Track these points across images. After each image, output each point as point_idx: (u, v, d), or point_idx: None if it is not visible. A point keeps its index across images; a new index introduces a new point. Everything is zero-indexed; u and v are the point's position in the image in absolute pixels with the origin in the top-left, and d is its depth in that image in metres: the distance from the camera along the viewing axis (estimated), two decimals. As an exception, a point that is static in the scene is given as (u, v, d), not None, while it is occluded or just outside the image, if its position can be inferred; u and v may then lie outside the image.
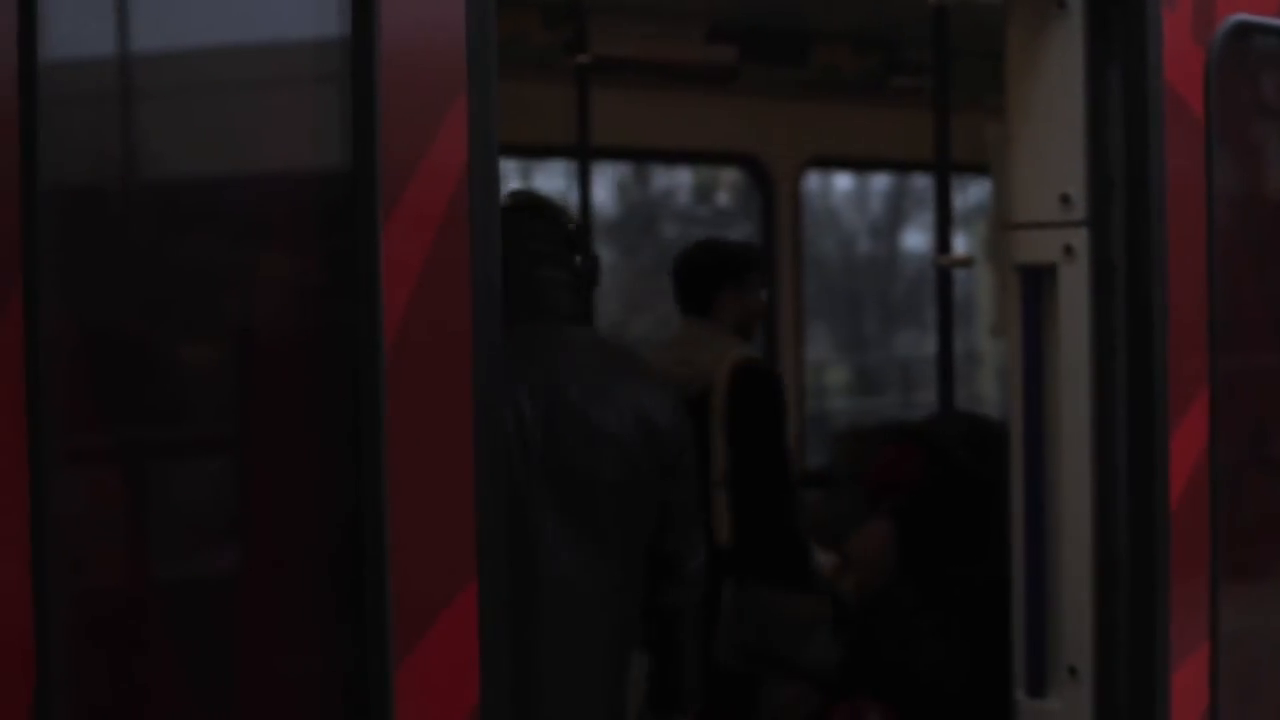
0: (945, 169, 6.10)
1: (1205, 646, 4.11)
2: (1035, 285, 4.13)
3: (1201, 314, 4.11)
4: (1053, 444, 4.14)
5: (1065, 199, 4.07)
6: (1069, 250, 4.06)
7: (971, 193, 9.30)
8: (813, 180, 9.86)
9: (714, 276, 5.70)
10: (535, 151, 7.68)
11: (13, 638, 2.58)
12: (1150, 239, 3.97)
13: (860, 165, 10.16)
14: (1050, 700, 4.11)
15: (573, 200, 6.91)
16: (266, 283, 2.98)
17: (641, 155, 8.98)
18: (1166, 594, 4.00)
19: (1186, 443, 4.08)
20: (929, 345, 7.72)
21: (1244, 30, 4.25)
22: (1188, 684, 4.07)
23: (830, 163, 8.43)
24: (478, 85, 2.98)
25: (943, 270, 6.30)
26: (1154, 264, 3.98)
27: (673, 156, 8.78)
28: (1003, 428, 5.55)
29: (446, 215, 2.96)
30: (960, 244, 7.71)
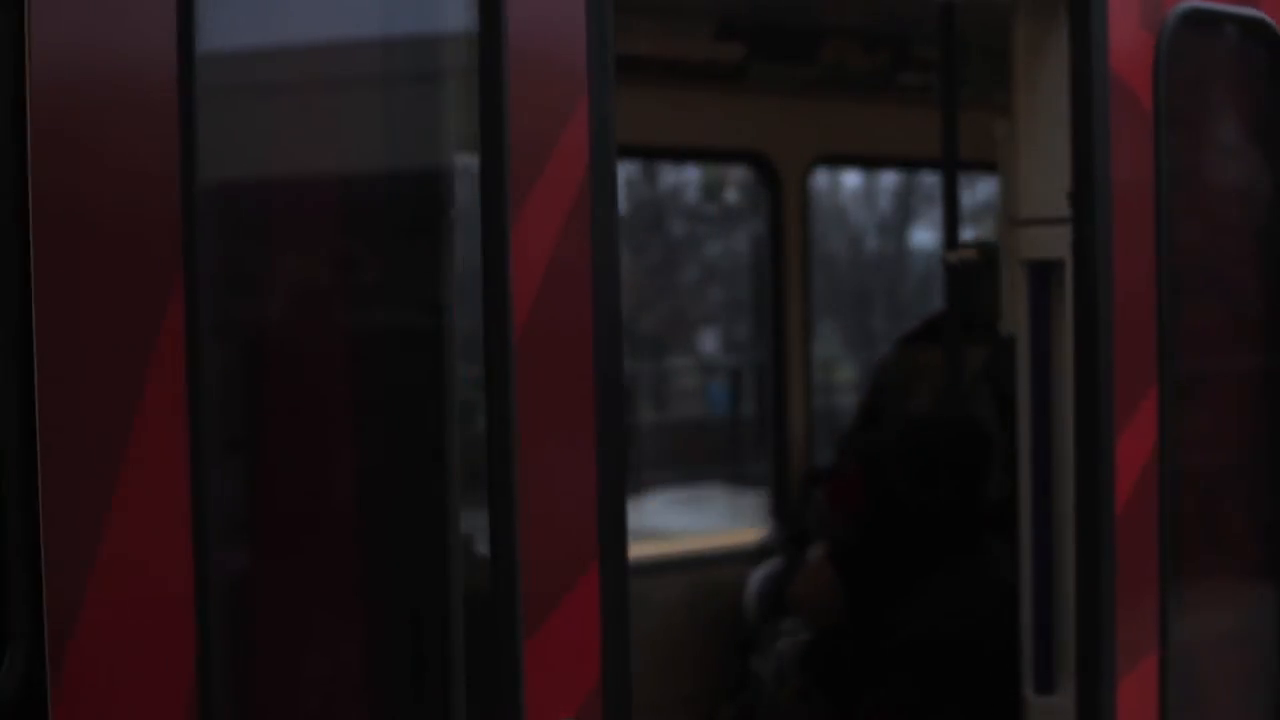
0: (953, 166, 6.09)
1: (1154, 656, 4.04)
2: (1043, 281, 4.14)
3: (1149, 311, 4.03)
4: (1059, 439, 4.15)
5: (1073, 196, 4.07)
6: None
7: (979, 189, 9.31)
8: (821, 177, 9.87)
9: None
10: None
11: (175, 624, 2.67)
12: (1094, 236, 3.92)
13: (868, 162, 10.15)
14: (1059, 697, 4.12)
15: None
16: (403, 277, 3.16)
17: (649, 153, 8.97)
18: (1112, 599, 3.93)
19: (1134, 444, 4.01)
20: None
21: (1196, 17, 4.18)
22: (1135, 694, 4.00)
23: (838, 160, 8.43)
24: (597, 90, 3.15)
25: (951, 266, 6.31)
26: (1097, 260, 3.92)
27: (680, 154, 8.78)
28: (983, 438, 5.53)
29: (570, 213, 3.11)
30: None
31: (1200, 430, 4.37)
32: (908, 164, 9.91)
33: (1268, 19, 4.31)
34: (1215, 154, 4.54)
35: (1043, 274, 4.14)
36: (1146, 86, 4.01)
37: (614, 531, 3.16)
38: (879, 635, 5.43)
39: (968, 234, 6.23)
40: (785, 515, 6.86)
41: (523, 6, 3.02)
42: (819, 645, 5.72)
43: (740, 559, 6.65)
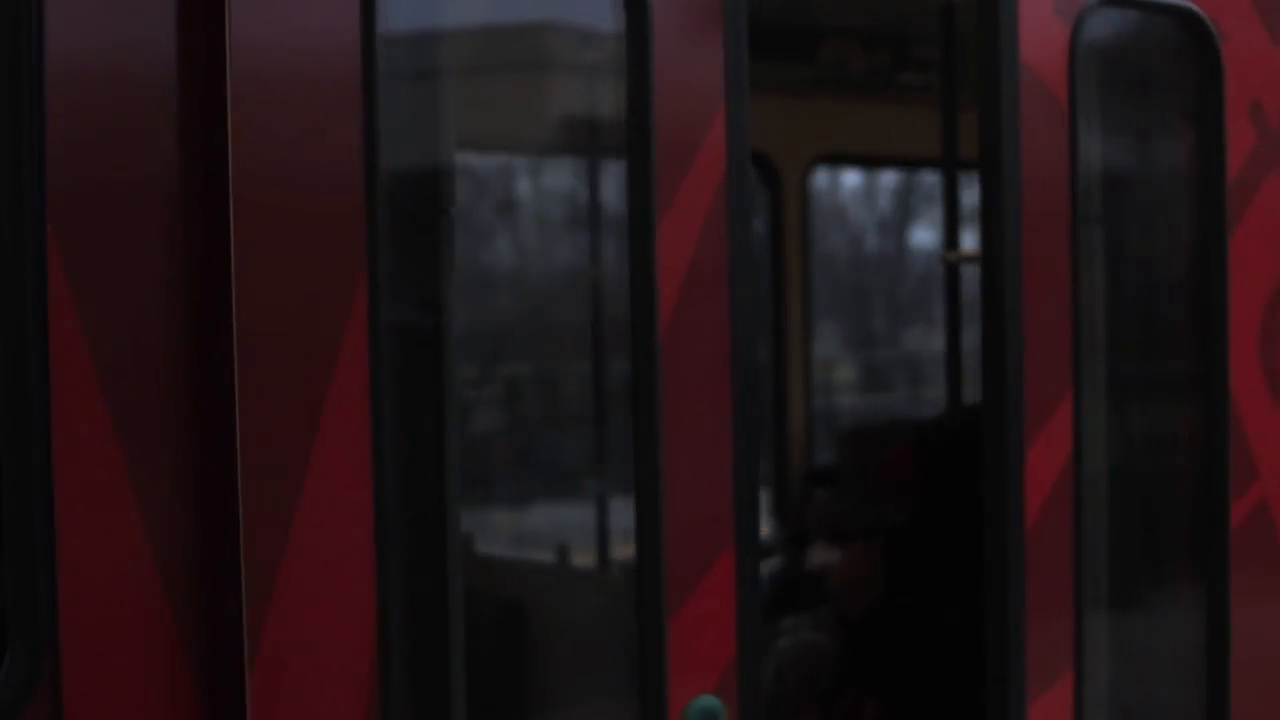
0: (953, 165, 6.10)
1: (1069, 676, 3.93)
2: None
3: (1064, 312, 3.91)
4: None
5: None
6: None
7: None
8: (821, 177, 9.87)
9: None
10: (544, 149, 7.69)
11: (356, 617, 2.84)
12: (1003, 234, 3.80)
13: (868, 162, 10.16)
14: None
15: (581, 200, 6.91)
16: (566, 277, 3.34)
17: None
18: (1021, 617, 3.82)
19: (1046, 454, 3.87)
20: (937, 341, 7.74)
21: (1116, 5, 4.08)
22: (1048, 716, 3.89)
23: (838, 160, 8.44)
24: (734, 101, 3.35)
25: (951, 266, 6.31)
26: (1005, 259, 3.80)
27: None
28: None
29: (709, 216, 3.31)
30: (968, 240, 7.73)
31: (1121, 438, 4.27)
32: (908, 164, 9.92)
33: (1197, 9, 4.17)
34: (1137, 150, 4.42)
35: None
36: (1061, 79, 3.88)
37: (748, 516, 3.35)
38: (920, 621, 5.44)
39: (968, 234, 6.23)
40: (785, 515, 6.86)
41: (666, 22, 3.23)
42: (859, 632, 5.73)
43: (740, 558, 6.65)
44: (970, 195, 8.80)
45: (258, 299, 2.73)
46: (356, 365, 2.82)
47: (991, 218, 3.81)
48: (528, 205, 3.41)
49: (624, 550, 3.33)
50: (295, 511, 2.77)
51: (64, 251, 2.57)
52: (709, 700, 3.28)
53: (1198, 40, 4.20)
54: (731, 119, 3.34)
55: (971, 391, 7.20)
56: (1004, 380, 3.79)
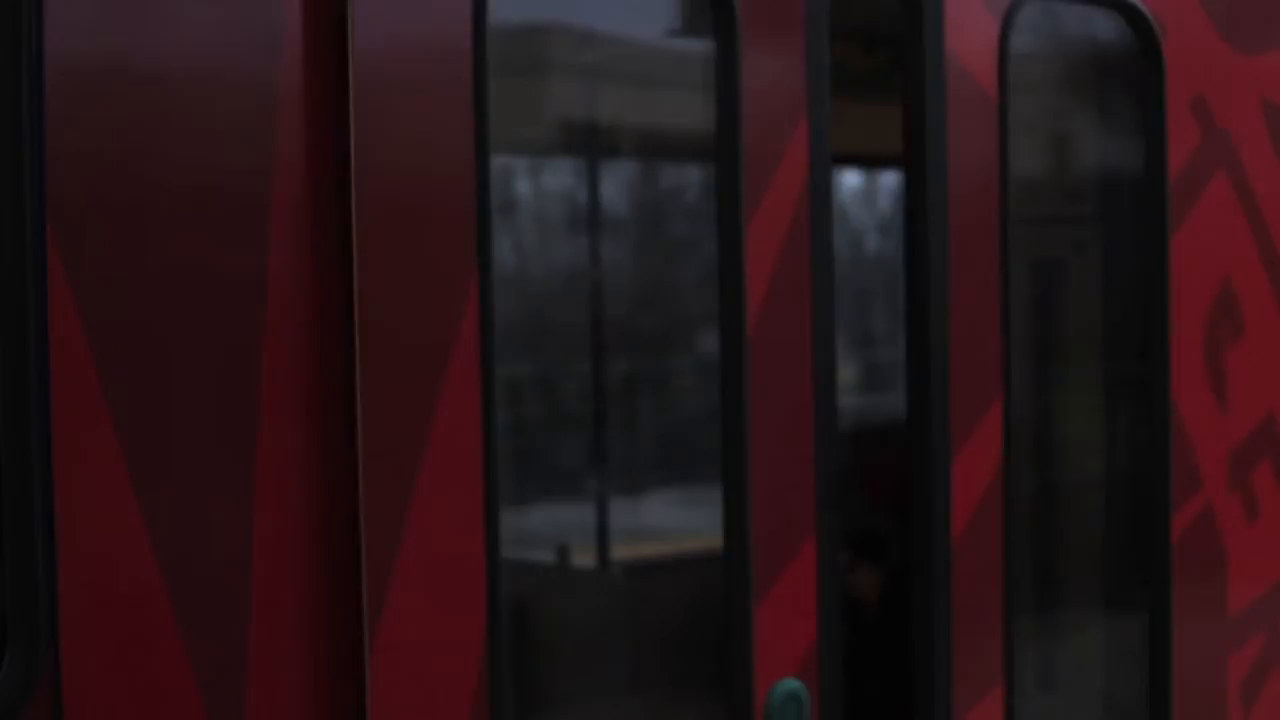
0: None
1: (998, 690, 3.88)
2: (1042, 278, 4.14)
3: (992, 318, 3.85)
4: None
5: (1076, 194, 4.07)
6: (1080, 246, 4.07)
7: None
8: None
9: None
10: (544, 149, 7.68)
11: (465, 615, 2.95)
12: (928, 237, 3.75)
13: (868, 162, 10.15)
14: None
15: (581, 199, 6.89)
16: (657, 279, 3.62)
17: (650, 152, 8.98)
18: (948, 630, 3.80)
19: (974, 464, 3.84)
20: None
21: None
22: None
23: (838, 160, 8.43)
24: (815, 111, 3.45)
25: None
26: (931, 262, 3.74)
27: (682, 154, 8.79)
28: None
29: (792, 222, 3.43)
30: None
31: (1055, 447, 4.19)
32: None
33: (1137, 2, 4.12)
34: (1072, 148, 4.28)
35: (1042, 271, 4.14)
36: (990, 75, 3.81)
37: (828, 506, 3.46)
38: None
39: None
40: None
41: (752, 33, 3.32)
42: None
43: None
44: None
45: (380, 296, 2.78)
46: (470, 360, 2.91)
47: (916, 218, 3.74)
48: (616, 205, 3.51)
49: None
50: (411, 500, 2.85)
51: (63, 254, 2.56)
52: (792, 683, 3.38)
53: (1138, 35, 4.15)
54: (814, 125, 3.42)
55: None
56: (929, 386, 3.74)
